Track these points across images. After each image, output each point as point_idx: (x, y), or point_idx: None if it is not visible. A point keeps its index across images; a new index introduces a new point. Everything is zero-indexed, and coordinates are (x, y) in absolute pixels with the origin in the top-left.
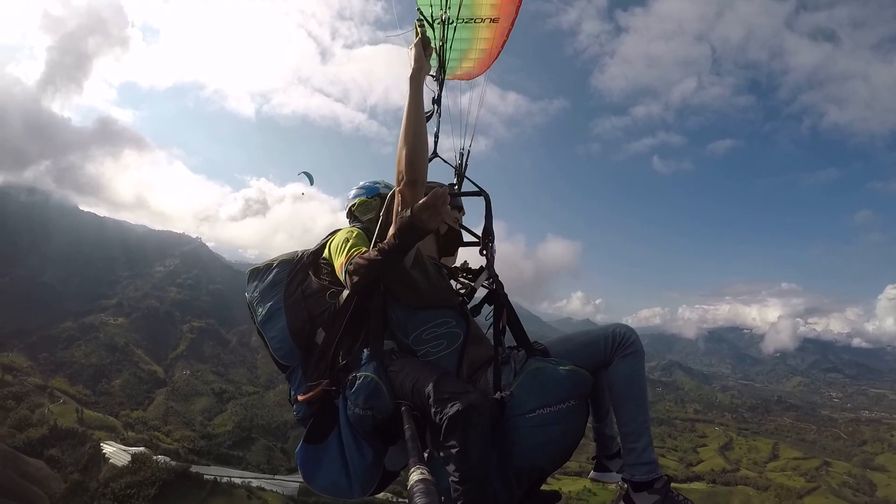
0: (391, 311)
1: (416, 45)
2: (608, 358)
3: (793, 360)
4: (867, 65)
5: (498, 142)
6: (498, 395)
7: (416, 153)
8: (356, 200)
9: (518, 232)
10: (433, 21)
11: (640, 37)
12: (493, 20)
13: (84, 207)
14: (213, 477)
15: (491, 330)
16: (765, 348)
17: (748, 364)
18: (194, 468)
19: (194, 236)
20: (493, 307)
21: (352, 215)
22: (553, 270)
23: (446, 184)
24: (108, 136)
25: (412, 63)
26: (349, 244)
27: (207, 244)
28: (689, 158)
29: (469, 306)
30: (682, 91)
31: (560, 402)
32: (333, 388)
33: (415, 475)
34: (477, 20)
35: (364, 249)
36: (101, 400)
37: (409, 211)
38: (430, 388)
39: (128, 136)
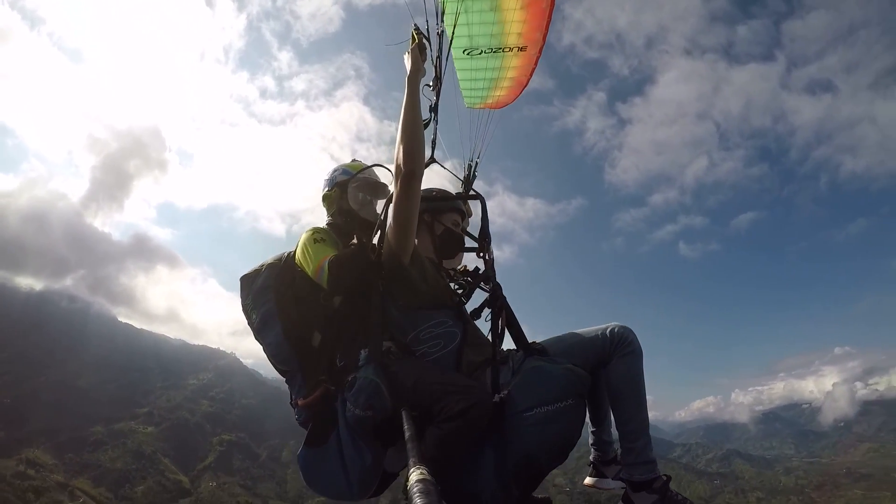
0: (388, 312)
1: (413, 48)
2: (607, 357)
3: (858, 427)
4: (870, 105)
5: (522, 248)
6: (496, 397)
7: (413, 146)
8: (322, 194)
9: (540, 335)
10: (428, 35)
11: (643, 125)
12: (520, 49)
13: (121, 319)
14: None
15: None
16: (824, 420)
17: (812, 440)
18: None
19: (229, 351)
20: (492, 307)
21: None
22: None
23: (447, 189)
24: (142, 251)
25: (409, 65)
26: (319, 245)
27: (246, 360)
28: (714, 238)
29: (469, 309)
30: (694, 172)
31: (558, 401)
32: (333, 388)
33: (414, 475)
34: (505, 49)
35: (332, 252)
36: None
37: None
38: (434, 382)
39: (161, 254)
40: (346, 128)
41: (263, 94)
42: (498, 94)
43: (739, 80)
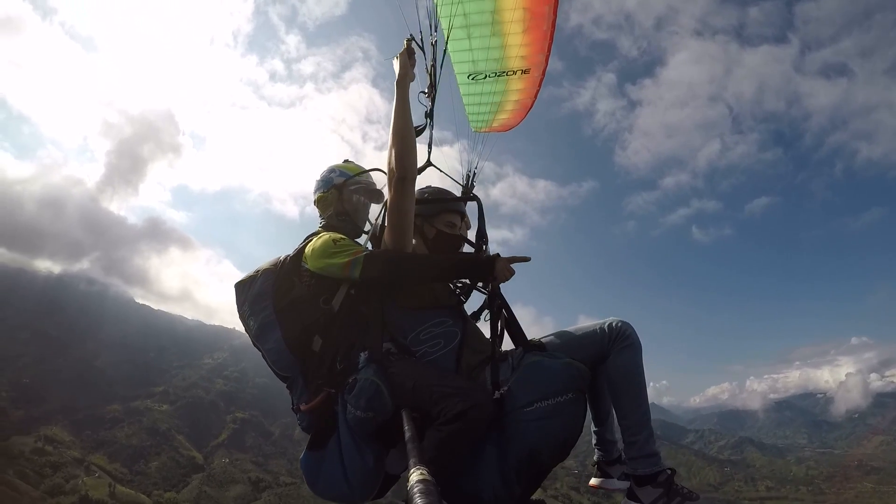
0: (388, 313)
1: (401, 54)
2: (605, 351)
3: (872, 419)
4: (887, 91)
5: (534, 230)
6: (496, 394)
7: (404, 151)
8: (315, 196)
9: (553, 316)
10: (422, 44)
11: (654, 108)
12: (524, 71)
13: (140, 300)
14: None
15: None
16: (835, 411)
17: (825, 430)
18: None
19: (243, 331)
20: (490, 307)
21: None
22: None
23: (447, 189)
24: (155, 234)
25: (398, 70)
26: (344, 241)
27: None
28: (728, 223)
29: (470, 311)
30: (707, 155)
31: (557, 395)
32: (333, 391)
33: (415, 475)
34: (508, 73)
35: (362, 249)
36: (137, 479)
37: (494, 260)
38: (433, 384)
39: (174, 236)
40: (356, 110)
41: (273, 77)
42: (503, 117)
43: (752, 63)
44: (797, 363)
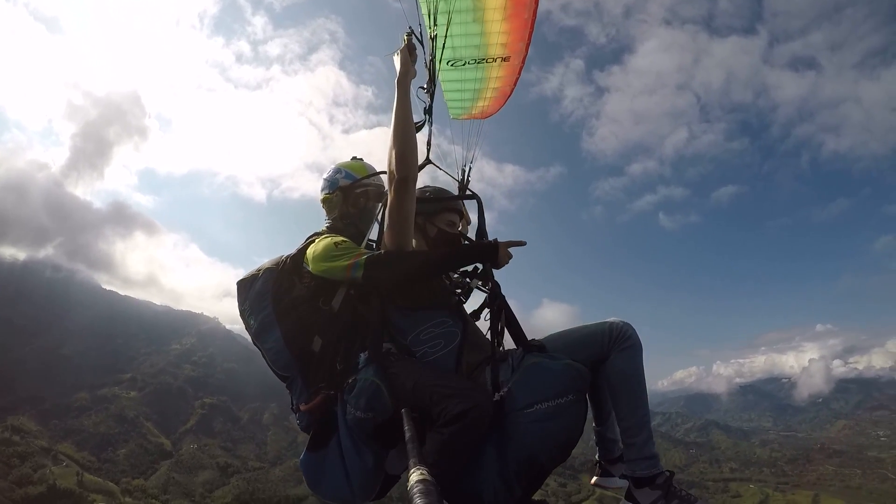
0: (388, 314)
1: (401, 51)
2: (606, 352)
3: (836, 404)
4: (855, 85)
5: (501, 214)
6: (496, 395)
7: (406, 151)
8: (321, 196)
9: (524, 301)
10: (421, 38)
11: (622, 95)
12: (504, 59)
13: (106, 286)
14: None
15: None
16: (799, 396)
17: (790, 414)
18: None
19: (212, 316)
20: (490, 307)
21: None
22: None
23: (445, 189)
24: (121, 218)
25: (398, 68)
26: (346, 244)
27: (232, 326)
28: (694, 211)
29: (470, 311)
30: (674, 143)
31: (558, 397)
32: (333, 392)
33: (414, 475)
34: (489, 60)
35: (364, 250)
36: (105, 467)
37: (497, 245)
38: (433, 385)
39: (140, 221)
40: (323, 92)
41: (239, 58)
42: (482, 104)
43: (720, 53)
44: (763, 348)
